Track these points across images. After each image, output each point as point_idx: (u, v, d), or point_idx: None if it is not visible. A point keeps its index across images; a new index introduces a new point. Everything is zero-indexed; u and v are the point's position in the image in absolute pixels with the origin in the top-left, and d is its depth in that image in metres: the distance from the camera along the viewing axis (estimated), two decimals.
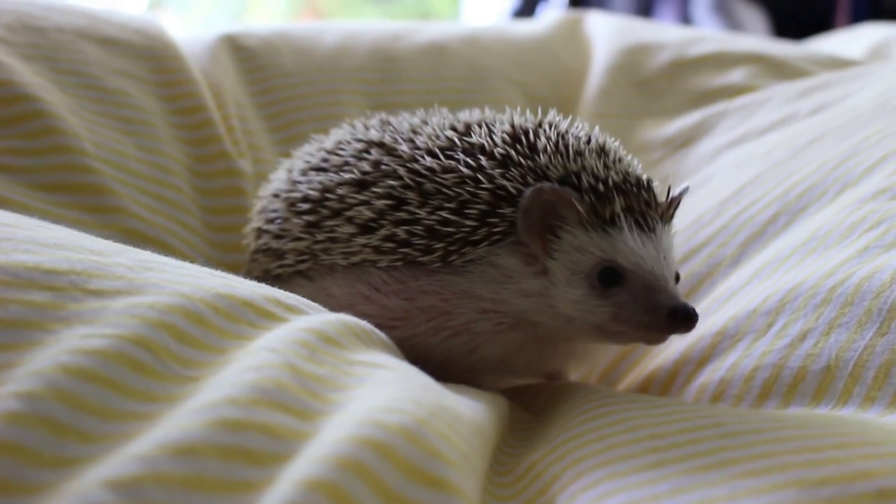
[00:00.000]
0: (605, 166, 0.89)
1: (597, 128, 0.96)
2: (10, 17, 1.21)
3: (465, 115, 0.99)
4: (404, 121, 1.01)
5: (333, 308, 0.85)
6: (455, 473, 0.59)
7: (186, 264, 0.79)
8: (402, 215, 0.90)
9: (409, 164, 0.92)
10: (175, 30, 1.40)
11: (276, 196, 1.03)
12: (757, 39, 1.93)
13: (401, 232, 0.90)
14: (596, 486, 0.64)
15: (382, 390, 0.65)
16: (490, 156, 0.90)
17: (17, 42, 1.18)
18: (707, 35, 1.77)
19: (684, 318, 0.83)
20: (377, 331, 0.81)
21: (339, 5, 4.82)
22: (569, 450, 0.71)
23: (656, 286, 0.85)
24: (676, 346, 0.99)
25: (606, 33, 1.72)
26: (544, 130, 0.92)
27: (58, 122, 1.10)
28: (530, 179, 0.88)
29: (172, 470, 0.52)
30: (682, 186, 0.95)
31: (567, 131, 0.93)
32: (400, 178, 0.92)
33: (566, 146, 0.90)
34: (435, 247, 0.89)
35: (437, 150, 0.92)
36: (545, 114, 0.96)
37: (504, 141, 0.91)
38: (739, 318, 0.93)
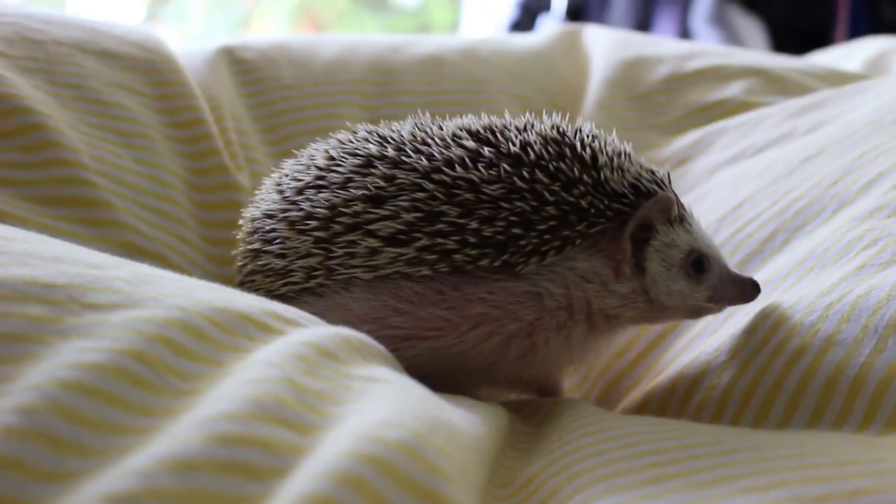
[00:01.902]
0: (641, 169, 0.94)
1: (600, 130, 0.98)
2: (9, 29, 1.21)
3: (459, 121, 0.98)
4: (395, 131, 0.99)
5: (351, 322, 0.84)
6: (453, 488, 0.59)
7: (184, 278, 0.79)
8: (443, 227, 0.90)
9: (433, 175, 0.92)
10: (173, 42, 1.40)
11: (270, 217, 1.00)
12: (755, 53, 1.93)
13: (450, 242, 0.90)
14: (595, 500, 0.64)
15: (381, 405, 0.65)
16: (543, 169, 0.91)
17: (16, 55, 1.18)
18: (705, 49, 1.77)
19: (757, 285, 0.95)
20: (376, 344, 0.81)
21: (338, 17, 4.84)
22: (568, 464, 0.71)
23: (722, 265, 0.96)
24: (675, 363, 1.00)
25: (605, 47, 1.72)
26: (579, 139, 0.94)
27: (56, 136, 1.10)
28: (597, 195, 0.91)
29: (170, 485, 0.52)
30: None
31: (591, 137, 0.95)
32: (425, 190, 0.91)
33: (611, 157, 0.93)
34: (492, 254, 0.90)
35: (466, 160, 0.92)
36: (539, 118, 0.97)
37: (550, 154, 0.92)
38: (736, 335, 0.93)
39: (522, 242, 0.89)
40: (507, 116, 0.98)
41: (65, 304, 0.64)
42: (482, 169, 0.91)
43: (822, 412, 0.81)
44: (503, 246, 0.89)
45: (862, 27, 3.21)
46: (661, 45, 1.79)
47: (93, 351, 0.60)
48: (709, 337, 0.99)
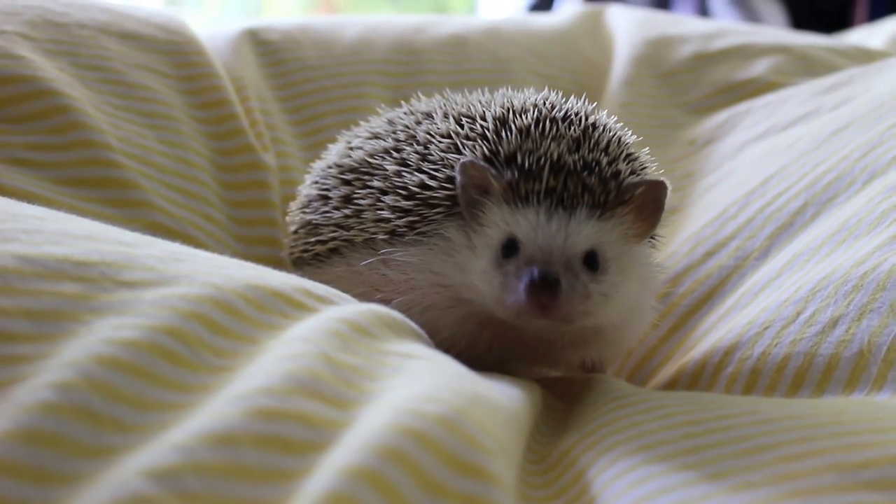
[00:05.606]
0: (569, 150, 0.89)
1: (604, 113, 0.96)
2: (32, 13, 1.21)
3: (511, 94, 1.00)
4: (468, 97, 1.02)
5: (361, 285, 0.89)
6: (493, 462, 0.59)
7: (216, 256, 0.79)
8: (389, 199, 0.94)
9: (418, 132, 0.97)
10: (194, 26, 1.40)
11: (330, 167, 1.04)
12: (781, 31, 1.92)
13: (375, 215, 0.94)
14: (632, 471, 0.64)
15: (419, 380, 0.65)
16: (465, 127, 0.94)
17: (40, 38, 1.18)
18: (730, 28, 1.76)
19: (537, 281, 0.83)
20: (409, 321, 0.81)
21: (354, 2, 4.83)
22: (603, 436, 0.71)
23: (536, 257, 0.85)
24: (706, 339, 0.99)
25: (628, 26, 1.72)
26: (536, 109, 0.93)
27: (81, 117, 1.10)
28: (470, 152, 0.90)
29: (211, 459, 0.52)
30: (640, 179, 0.91)
31: (560, 110, 0.93)
32: (404, 147, 0.96)
33: (526, 124, 0.91)
34: (402, 219, 0.92)
35: (452, 118, 0.96)
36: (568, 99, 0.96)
37: (482, 116, 0.94)
38: (770, 308, 0.93)
39: (425, 195, 0.92)
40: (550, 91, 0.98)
41: (98, 281, 0.64)
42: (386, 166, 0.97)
43: (856, 381, 0.80)
44: (406, 208, 0.93)
45: (882, 7, 3.18)
46: (685, 24, 1.78)
47: (128, 328, 0.60)
48: (740, 312, 0.99)
